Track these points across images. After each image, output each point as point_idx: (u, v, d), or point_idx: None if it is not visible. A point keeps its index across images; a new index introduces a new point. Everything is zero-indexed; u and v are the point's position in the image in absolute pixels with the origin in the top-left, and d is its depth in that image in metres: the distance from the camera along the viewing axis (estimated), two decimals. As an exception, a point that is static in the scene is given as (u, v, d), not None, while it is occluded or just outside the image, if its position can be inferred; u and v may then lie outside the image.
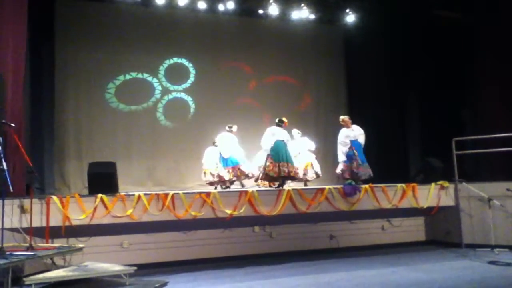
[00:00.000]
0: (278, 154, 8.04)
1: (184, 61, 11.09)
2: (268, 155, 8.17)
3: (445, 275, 6.21)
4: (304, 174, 9.28)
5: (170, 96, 10.94)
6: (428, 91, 10.50)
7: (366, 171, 8.33)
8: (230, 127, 9.27)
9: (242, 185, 9.18)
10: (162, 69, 10.91)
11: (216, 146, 9.40)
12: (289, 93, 11.83)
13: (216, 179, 9.28)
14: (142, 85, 10.75)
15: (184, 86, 11.05)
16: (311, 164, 9.46)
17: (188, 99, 11.05)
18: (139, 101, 10.65)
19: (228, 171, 9.04)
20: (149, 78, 10.80)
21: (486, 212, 7.86)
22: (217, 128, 9.68)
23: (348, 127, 8.59)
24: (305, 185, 9.32)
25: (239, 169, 9.04)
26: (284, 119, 8.51)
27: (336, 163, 8.76)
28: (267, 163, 8.12)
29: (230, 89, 11.26)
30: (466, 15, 9.88)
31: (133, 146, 10.33)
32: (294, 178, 8.42)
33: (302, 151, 9.43)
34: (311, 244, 8.05)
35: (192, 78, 11.11)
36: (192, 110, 11.02)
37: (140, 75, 10.71)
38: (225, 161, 9.09)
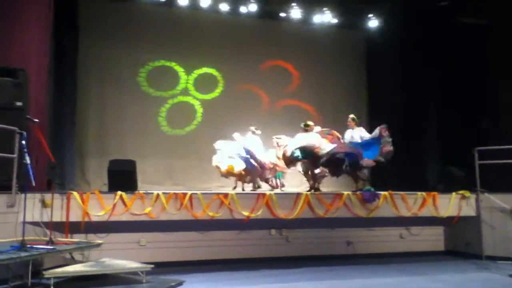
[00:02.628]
0: None
1: (209, 66, 11.13)
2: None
3: (464, 287, 6.08)
4: None
5: (192, 96, 11.01)
6: (450, 99, 10.35)
7: None
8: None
9: None
10: (189, 74, 11.03)
11: None
12: (308, 97, 11.79)
13: None
14: (164, 81, 10.85)
15: (211, 94, 11.12)
16: None
17: (210, 100, 11.10)
18: (162, 100, 10.78)
19: None
20: (171, 74, 10.91)
21: (508, 223, 7.72)
22: (238, 130, 9.70)
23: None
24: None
25: None
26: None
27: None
28: None
29: (250, 91, 11.25)
30: (486, 21, 9.73)
31: (153, 145, 10.37)
32: None
33: None
34: (328, 249, 7.98)
35: (220, 87, 11.16)
36: (212, 111, 11.03)
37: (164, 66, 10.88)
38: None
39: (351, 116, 8.74)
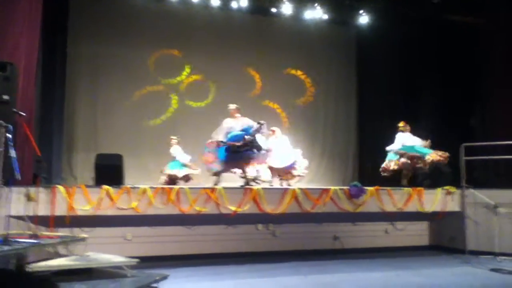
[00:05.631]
0: None
1: (198, 67, 11.11)
2: None
3: (447, 281, 6.19)
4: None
5: (183, 93, 11.04)
6: (438, 96, 10.43)
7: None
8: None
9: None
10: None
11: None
12: (299, 93, 11.82)
13: None
14: (156, 76, 10.84)
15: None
16: None
17: (198, 97, 11.11)
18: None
19: None
20: (162, 69, 10.88)
21: (492, 219, 7.79)
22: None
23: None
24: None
25: None
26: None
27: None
28: None
29: (238, 86, 11.21)
30: (477, 19, 9.79)
31: (142, 140, 10.38)
32: None
33: None
34: (315, 244, 8.04)
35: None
36: (202, 105, 11.05)
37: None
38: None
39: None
